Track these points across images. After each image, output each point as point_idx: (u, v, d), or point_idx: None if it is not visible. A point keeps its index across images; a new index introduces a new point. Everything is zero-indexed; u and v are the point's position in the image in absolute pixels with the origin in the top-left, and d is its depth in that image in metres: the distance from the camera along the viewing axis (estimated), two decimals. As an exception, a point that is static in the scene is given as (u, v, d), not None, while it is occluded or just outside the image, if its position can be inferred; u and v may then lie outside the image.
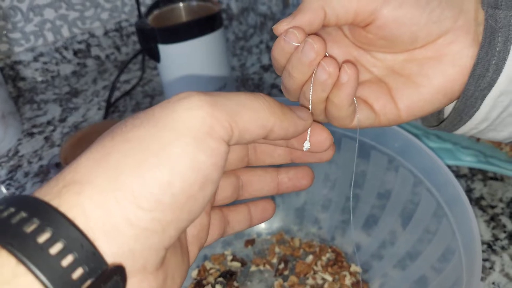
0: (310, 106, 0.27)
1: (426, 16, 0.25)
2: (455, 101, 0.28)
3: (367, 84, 0.29)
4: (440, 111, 0.30)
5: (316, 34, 0.26)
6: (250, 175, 0.29)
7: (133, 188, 0.18)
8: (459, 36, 0.26)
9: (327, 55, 0.25)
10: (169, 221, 0.19)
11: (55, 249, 0.16)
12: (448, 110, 0.30)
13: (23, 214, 0.17)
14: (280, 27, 0.25)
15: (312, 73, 0.25)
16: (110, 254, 0.18)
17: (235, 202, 0.30)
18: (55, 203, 0.18)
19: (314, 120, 0.26)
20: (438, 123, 0.31)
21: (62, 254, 0.17)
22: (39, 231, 0.17)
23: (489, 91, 0.26)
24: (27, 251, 0.16)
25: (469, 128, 0.29)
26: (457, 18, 0.25)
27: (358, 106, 0.28)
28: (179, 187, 0.19)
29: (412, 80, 0.27)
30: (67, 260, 0.17)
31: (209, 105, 0.20)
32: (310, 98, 0.26)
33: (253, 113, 0.21)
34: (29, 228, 0.17)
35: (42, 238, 0.16)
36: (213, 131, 0.20)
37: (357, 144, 0.32)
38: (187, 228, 0.23)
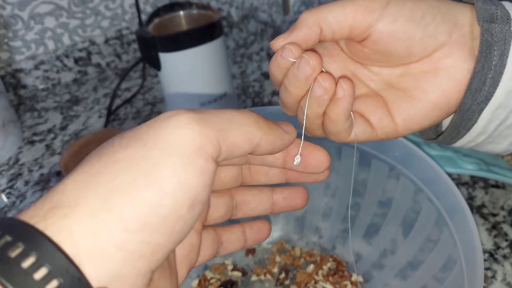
0: (304, 121, 0.27)
1: (421, 30, 0.25)
2: (452, 115, 0.28)
3: (363, 98, 0.29)
4: (438, 124, 0.30)
5: (312, 49, 0.26)
6: (245, 195, 0.29)
7: (122, 211, 0.18)
8: (455, 50, 0.26)
9: (323, 70, 0.25)
10: (157, 244, 0.19)
11: (39, 274, 0.16)
12: (446, 123, 0.30)
13: (8, 238, 0.17)
14: (277, 43, 0.26)
15: (309, 89, 0.25)
16: (96, 278, 0.17)
17: (233, 221, 0.29)
18: (41, 226, 0.17)
19: (312, 142, 0.26)
20: (436, 136, 0.31)
21: (46, 279, 0.16)
22: (23, 255, 0.16)
23: (486, 104, 0.26)
24: (11, 276, 0.16)
25: (466, 141, 0.29)
26: (452, 32, 0.26)
27: (355, 120, 0.28)
28: (168, 208, 0.19)
29: (409, 94, 0.27)
30: (51, 286, 0.16)
31: (197, 122, 0.20)
32: (305, 112, 0.26)
33: (240, 128, 0.21)
34: (14, 253, 0.16)
35: (27, 263, 0.16)
36: (201, 149, 0.20)
37: (354, 158, 0.32)
38: (176, 247, 0.23)
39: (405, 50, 0.26)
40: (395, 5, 0.25)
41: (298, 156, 0.26)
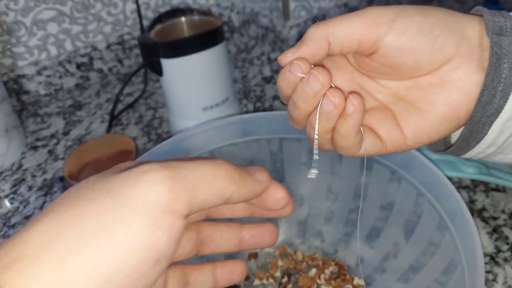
0: (316, 136, 0.27)
1: (429, 43, 0.25)
2: (462, 127, 0.28)
3: (372, 112, 0.29)
4: (446, 138, 0.31)
5: (320, 63, 0.26)
6: (212, 230, 0.28)
7: (84, 268, 0.18)
8: (463, 63, 0.26)
9: (332, 85, 0.25)
10: None
11: None
12: (455, 135, 0.30)
13: None
14: (285, 58, 0.26)
15: (318, 104, 0.25)
16: None
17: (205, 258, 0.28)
18: None
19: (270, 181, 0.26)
20: (445, 148, 0.31)
21: None
22: None
23: (496, 117, 0.26)
24: None
25: (476, 152, 0.29)
26: (460, 44, 0.26)
27: (365, 134, 0.28)
28: (132, 266, 0.19)
29: (417, 107, 0.27)
30: None
31: (170, 180, 0.20)
32: (316, 128, 0.26)
33: (213, 184, 0.21)
34: None
35: None
36: (171, 207, 0.20)
37: (364, 173, 0.32)
38: None
39: (414, 63, 0.26)
40: (403, 19, 0.25)
41: (312, 170, 0.27)
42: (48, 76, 0.79)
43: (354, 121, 0.26)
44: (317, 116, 0.26)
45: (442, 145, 0.31)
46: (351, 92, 0.26)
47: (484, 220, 0.49)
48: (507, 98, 0.25)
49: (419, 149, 0.46)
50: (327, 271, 0.46)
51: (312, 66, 0.26)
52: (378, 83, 0.29)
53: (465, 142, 0.28)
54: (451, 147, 0.30)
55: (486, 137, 0.27)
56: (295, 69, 0.25)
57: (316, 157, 0.27)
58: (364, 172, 0.32)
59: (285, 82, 0.26)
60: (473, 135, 0.27)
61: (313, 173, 0.28)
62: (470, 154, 0.29)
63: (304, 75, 0.25)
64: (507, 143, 0.27)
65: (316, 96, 0.25)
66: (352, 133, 0.26)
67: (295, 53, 0.25)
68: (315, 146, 0.28)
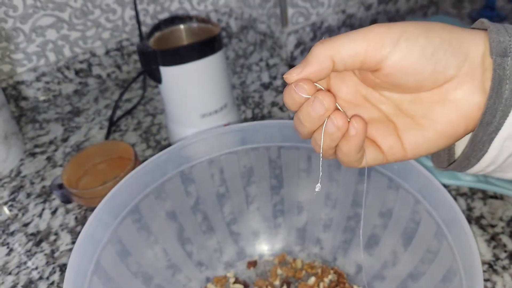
0: (321, 152, 0.28)
1: (431, 66, 0.26)
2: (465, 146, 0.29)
3: (375, 123, 0.29)
4: (450, 153, 0.32)
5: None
6: None
7: None
8: (464, 83, 0.26)
9: (337, 106, 0.26)
10: None
11: None
12: (458, 151, 0.31)
13: None
14: (290, 78, 0.27)
15: (323, 123, 0.27)
16: None
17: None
18: None
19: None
20: (448, 164, 0.32)
21: None
22: None
23: (496, 134, 0.26)
24: None
25: (477, 170, 0.30)
26: (462, 65, 0.26)
27: (366, 147, 0.29)
28: None
29: (417, 122, 0.28)
30: None
31: None
32: (321, 145, 0.28)
33: None
34: None
35: None
36: None
37: (365, 184, 0.32)
38: None
39: (415, 83, 0.27)
40: (406, 42, 0.25)
41: (319, 184, 0.29)
42: (47, 82, 0.79)
43: (356, 142, 0.27)
44: (322, 137, 0.27)
45: (446, 162, 0.32)
46: (353, 116, 0.27)
47: (482, 227, 0.49)
48: (507, 117, 0.26)
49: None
50: (326, 280, 0.46)
51: (318, 86, 0.27)
52: (382, 95, 0.30)
53: (466, 160, 0.29)
54: (452, 164, 0.31)
55: (486, 155, 0.27)
56: (300, 90, 0.26)
57: (321, 173, 0.29)
58: (365, 184, 0.32)
59: (291, 100, 0.27)
60: (474, 153, 0.28)
61: (318, 187, 0.30)
62: (471, 171, 0.30)
63: (309, 96, 0.26)
64: (506, 162, 0.28)
65: (320, 118, 0.26)
66: (354, 152, 0.27)
67: (300, 73, 0.26)
68: (321, 162, 0.29)
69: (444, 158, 0.32)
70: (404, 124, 0.29)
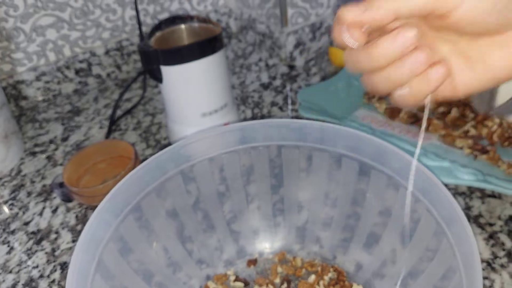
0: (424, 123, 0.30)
1: (501, 18, 0.26)
2: None
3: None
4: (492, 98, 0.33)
5: None
6: None
7: None
8: None
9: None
10: None
11: None
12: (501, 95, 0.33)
13: None
14: (346, 17, 0.26)
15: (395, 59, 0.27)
16: None
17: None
18: None
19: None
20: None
21: None
22: None
23: None
24: None
25: None
26: None
27: None
28: None
29: (473, 64, 0.29)
30: None
31: None
32: (427, 111, 0.29)
33: None
34: None
35: None
36: None
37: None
38: None
39: (479, 31, 0.27)
40: None
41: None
42: (47, 82, 0.79)
43: (431, 88, 0.28)
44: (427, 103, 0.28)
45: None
46: (436, 62, 0.27)
47: (481, 226, 0.49)
48: None
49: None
50: (326, 277, 0.46)
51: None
52: (440, 34, 0.30)
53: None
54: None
55: None
56: (349, 39, 0.26)
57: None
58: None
59: (338, 38, 0.27)
60: None
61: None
62: None
63: (355, 44, 0.26)
64: None
65: (402, 53, 0.26)
66: (422, 96, 0.28)
67: (359, 16, 0.26)
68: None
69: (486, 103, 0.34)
70: (458, 64, 0.29)
